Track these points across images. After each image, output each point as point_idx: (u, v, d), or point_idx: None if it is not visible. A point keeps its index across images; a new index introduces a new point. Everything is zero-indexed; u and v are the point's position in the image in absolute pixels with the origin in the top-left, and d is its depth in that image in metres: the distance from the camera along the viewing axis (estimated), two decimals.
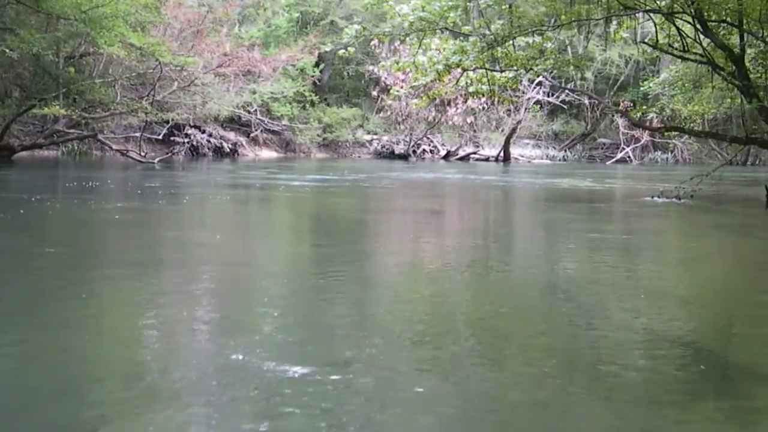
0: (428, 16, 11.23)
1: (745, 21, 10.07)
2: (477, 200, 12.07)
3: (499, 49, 11.44)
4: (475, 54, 11.40)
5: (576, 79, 26.43)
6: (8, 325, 3.17)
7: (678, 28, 10.98)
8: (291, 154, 28.29)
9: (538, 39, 11.66)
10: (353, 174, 16.70)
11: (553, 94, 29.44)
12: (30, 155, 18.95)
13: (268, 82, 25.86)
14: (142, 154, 19.57)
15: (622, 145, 31.41)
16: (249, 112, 26.24)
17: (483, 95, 16.81)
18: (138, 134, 21.04)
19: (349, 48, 15.64)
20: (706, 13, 10.12)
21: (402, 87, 24.33)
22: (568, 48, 18.60)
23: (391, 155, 29.19)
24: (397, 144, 29.71)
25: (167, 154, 21.81)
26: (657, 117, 23.43)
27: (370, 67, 27.38)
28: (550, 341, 3.18)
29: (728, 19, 10.24)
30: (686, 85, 14.83)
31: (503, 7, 11.31)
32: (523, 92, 28.21)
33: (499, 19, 11.90)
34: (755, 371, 2.85)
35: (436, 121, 29.85)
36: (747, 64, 10.71)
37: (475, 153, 29.93)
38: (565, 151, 32.23)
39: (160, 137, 22.91)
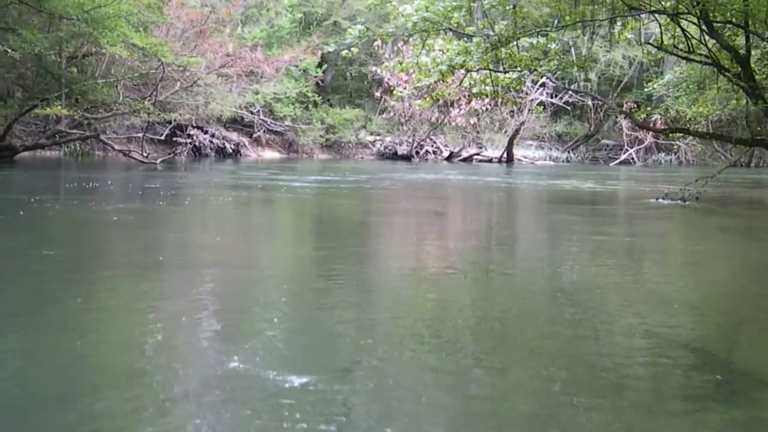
0: (432, 16, 11.18)
1: (750, 22, 10.00)
2: (480, 202, 12.01)
3: (502, 49, 11.39)
4: (478, 55, 11.35)
5: (579, 81, 26.36)
6: (6, 328, 3.12)
7: (683, 29, 10.91)
8: (294, 154, 28.27)
9: (542, 40, 11.60)
10: (356, 175, 16.65)
11: (556, 96, 29.38)
12: (32, 155, 18.94)
13: (271, 83, 25.85)
14: (145, 154, 19.54)
15: (626, 147, 31.34)
16: (252, 113, 26.23)
17: (486, 96, 16.75)
18: (140, 135, 21.02)
19: (352, 48, 15.57)
20: (711, 14, 10.05)
21: (405, 88, 24.31)
22: (572, 49, 18.54)
23: (394, 156, 29.17)
24: (400, 145, 29.68)
25: (169, 154, 21.80)
26: (661, 118, 23.35)
27: (373, 68, 27.36)
28: (555, 347, 3.12)
29: (734, 20, 10.17)
30: (690, 86, 14.76)
31: (507, 7, 11.27)
32: (527, 93, 28.18)
33: (502, 19, 11.85)
34: (765, 379, 2.78)
35: (439, 122, 29.81)
36: (752, 66, 10.64)
37: (478, 154, 29.89)
38: (569, 152, 32.16)
39: (163, 138, 22.90)
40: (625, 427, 2.26)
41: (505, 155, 29.26)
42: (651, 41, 12.44)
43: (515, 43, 11.30)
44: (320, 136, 28.97)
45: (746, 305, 4.16)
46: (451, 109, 29.20)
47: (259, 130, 27.11)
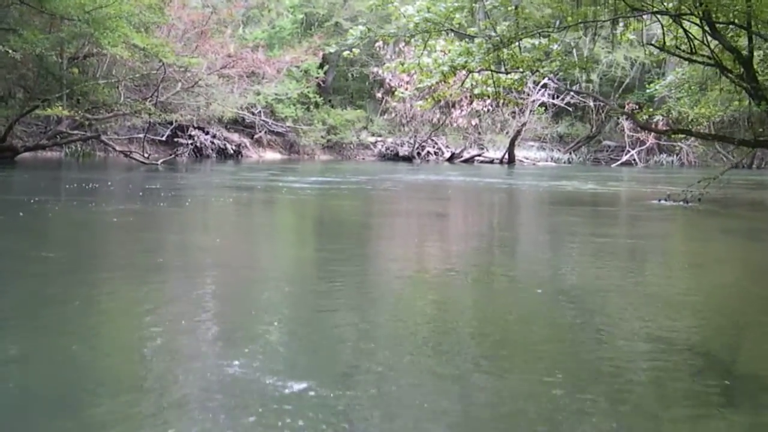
0: (433, 17, 11.15)
1: (753, 23, 9.96)
2: (481, 203, 11.98)
3: (504, 50, 11.35)
4: (480, 55, 11.31)
5: (581, 82, 26.33)
6: (5, 332, 3.10)
7: (685, 30, 10.87)
8: (295, 155, 28.24)
9: (544, 41, 11.57)
10: (357, 176, 16.63)
11: (558, 97, 29.34)
12: (33, 156, 18.92)
13: (272, 84, 25.83)
14: (146, 155, 19.51)
15: (627, 148, 31.29)
16: (253, 114, 26.21)
17: (488, 97, 16.72)
18: (141, 135, 20.98)
19: (353, 49, 15.52)
20: (714, 15, 10.01)
21: (407, 89, 24.27)
22: (574, 51, 18.50)
23: (396, 157, 29.14)
24: (402, 146, 29.65)
25: (171, 155, 21.78)
26: (663, 119, 23.31)
27: (375, 69, 27.34)
28: (557, 350, 3.09)
29: (736, 20, 10.13)
30: (692, 87, 14.72)
31: (509, 8, 11.23)
32: (528, 94, 28.13)
33: (504, 20, 11.82)
34: None
35: (441, 123, 29.78)
36: (755, 67, 10.60)
37: (479, 155, 29.85)
38: (570, 153, 32.12)
39: (164, 138, 22.87)
40: (627, 430, 2.23)
41: (506, 156, 29.22)
42: (653, 42, 12.38)
43: (517, 43, 11.26)
44: (321, 137, 28.94)
45: (749, 308, 4.12)
46: (452, 110, 29.17)
47: (260, 131, 27.09)
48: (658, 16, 10.74)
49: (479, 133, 31.12)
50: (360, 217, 9.18)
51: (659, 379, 2.71)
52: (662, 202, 10.63)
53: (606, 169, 26.52)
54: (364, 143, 30.22)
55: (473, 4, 11.11)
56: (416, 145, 29.36)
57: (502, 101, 22.90)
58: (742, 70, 10.36)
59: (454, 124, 29.85)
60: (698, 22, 10.30)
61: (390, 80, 27.52)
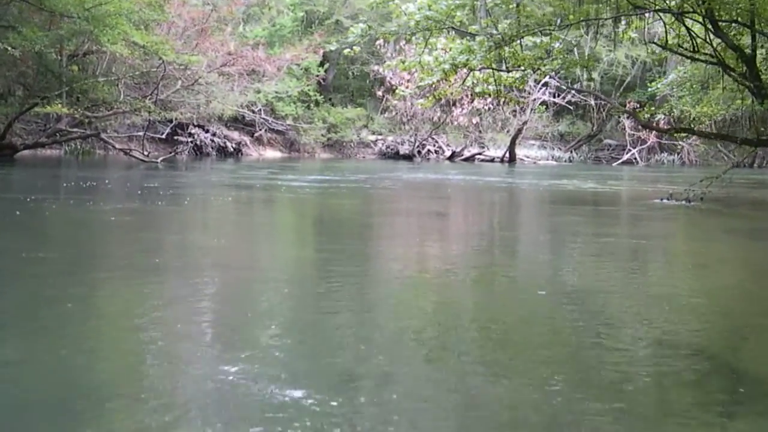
0: (435, 15, 11.08)
1: (756, 21, 9.90)
2: (482, 202, 11.92)
3: (506, 48, 11.30)
4: (481, 53, 11.25)
5: (582, 80, 26.25)
6: (0, 334, 3.05)
7: (688, 28, 10.81)
8: (295, 154, 28.19)
9: (545, 39, 11.51)
10: (357, 175, 16.58)
11: (559, 95, 29.27)
12: (32, 154, 18.87)
13: (273, 82, 25.77)
14: (145, 153, 19.46)
15: (628, 147, 31.22)
16: (253, 112, 26.15)
17: (489, 95, 16.66)
18: (141, 133, 20.94)
19: (354, 47, 15.48)
20: (717, 13, 9.95)
21: (407, 87, 24.20)
22: (575, 49, 18.45)
23: (396, 156, 29.09)
24: (402, 144, 29.60)
25: (170, 153, 21.71)
26: (664, 118, 23.23)
27: (375, 67, 27.23)
28: (559, 352, 3.04)
29: (740, 19, 10.07)
30: (695, 86, 14.66)
31: (510, 6, 11.17)
32: (529, 93, 28.05)
33: (506, 18, 11.76)
34: None
35: (442, 121, 29.71)
36: (758, 65, 10.54)
37: (480, 154, 29.79)
38: (571, 152, 32.05)
39: (164, 136, 22.83)
40: None
41: (507, 155, 29.16)
42: (655, 40, 12.32)
43: (518, 42, 11.20)
44: (322, 135, 28.88)
45: (754, 309, 4.08)
46: (453, 108, 29.09)
47: (260, 129, 27.03)
48: (661, 14, 10.68)
49: (480, 132, 31.05)
50: (360, 216, 9.13)
51: (663, 383, 2.67)
52: (664, 201, 10.57)
53: (607, 168, 26.47)
54: (365, 141, 30.16)
55: (474, 2, 11.05)
56: (417, 144, 29.31)
57: (503, 100, 22.84)
58: (745, 68, 10.31)
59: (455, 123, 29.78)
60: (701, 20, 10.25)
61: (391, 78, 27.44)
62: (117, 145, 20.03)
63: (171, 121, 21.70)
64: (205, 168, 18.39)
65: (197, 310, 3.57)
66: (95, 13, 15.05)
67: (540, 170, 23.08)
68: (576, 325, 3.50)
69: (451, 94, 17.23)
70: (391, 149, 29.62)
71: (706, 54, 10.98)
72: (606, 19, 10.75)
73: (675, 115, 20.94)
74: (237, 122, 26.20)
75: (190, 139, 23.84)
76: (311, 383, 2.51)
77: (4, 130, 16.80)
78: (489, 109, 29.71)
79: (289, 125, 27.73)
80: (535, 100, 29.14)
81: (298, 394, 2.39)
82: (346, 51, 17.12)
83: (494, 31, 11.05)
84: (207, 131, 24.52)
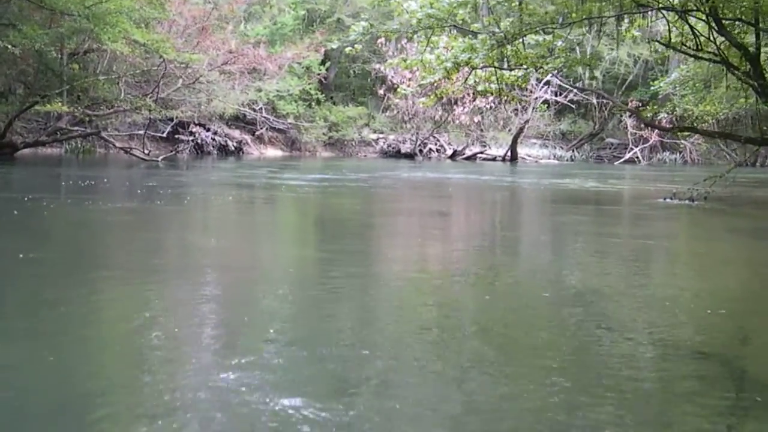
0: (436, 13, 11.03)
1: (761, 19, 9.84)
2: (484, 201, 11.87)
3: (508, 47, 11.24)
4: (484, 52, 11.19)
5: (584, 79, 26.19)
6: None
7: (691, 27, 10.75)
8: (296, 152, 28.16)
9: (548, 37, 11.45)
10: (358, 173, 16.53)
11: (561, 94, 29.21)
12: (33, 153, 18.84)
13: (274, 80, 25.73)
14: (146, 152, 19.42)
15: (631, 146, 31.14)
16: (254, 110, 26.12)
17: (491, 94, 16.61)
18: (142, 132, 20.89)
19: (355, 46, 15.44)
20: (720, 11, 9.89)
21: (409, 85, 24.16)
22: (577, 48, 18.39)
23: (398, 154, 29.04)
24: (404, 143, 29.55)
25: (171, 152, 21.67)
26: (667, 117, 23.17)
27: (377, 66, 27.18)
28: (561, 355, 2.98)
29: (744, 17, 10.01)
30: (697, 84, 14.61)
31: (513, 4, 11.11)
32: (531, 91, 27.99)
33: (508, 16, 11.70)
34: None
35: (443, 120, 29.66)
36: (762, 64, 10.47)
37: (482, 152, 29.73)
38: (573, 151, 31.97)
39: (164, 135, 22.79)
40: None
41: (509, 154, 29.09)
42: (658, 39, 12.26)
43: (521, 40, 11.14)
44: (323, 133, 28.85)
45: (758, 310, 4.03)
46: (455, 107, 29.03)
47: (261, 128, 26.99)
48: (664, 12, 10.61)
49: (482, 131, 30.98)
50: (361, 215, 9.08)
51: (667, 386, 2.63)
52: (668, 200, 10.51)
53: (609, 167, 26.41)
54: (366, 140, 30.12)
55: (477, 0, 10.98)
56: (418, 142, 29.26)
57: (504, 98, 22.79)
58: (748, 67, 10.24)
59: (457, 121, 29.72)
60: (704, 18, 10.18)
61: (392, 77, 27.39)
62: (117, 144, 19.99)
63: (172, 119, 21.66)
64: (205, 167, 18.35)
65: (196, 313, 3.52)
66: (96, 11, 15.01)
67: (542, 169, 23.02)
68: (579, 327, 3.44)
69: (453, 92, 17.17)
70: (393, 148, 29.57)
71: (709, 52, 10.91)
72: (609, 18, 10.68)
73: (678, 114, 20.89)
74: (238, 121, 26.17)
75: (190, 138, 23.80)
76: (313, 387, 2.48)
77: (5, 128, 16.77)
78: (491, 107, 29.66)
79: (290, 124, 27.70)
80: (537, 98, 29.09)
81: (298, 400, 2.34)
82: (347, 49, 17.07)
83: (496, 30, 10.99)
84: (208, 130, 24.48)
